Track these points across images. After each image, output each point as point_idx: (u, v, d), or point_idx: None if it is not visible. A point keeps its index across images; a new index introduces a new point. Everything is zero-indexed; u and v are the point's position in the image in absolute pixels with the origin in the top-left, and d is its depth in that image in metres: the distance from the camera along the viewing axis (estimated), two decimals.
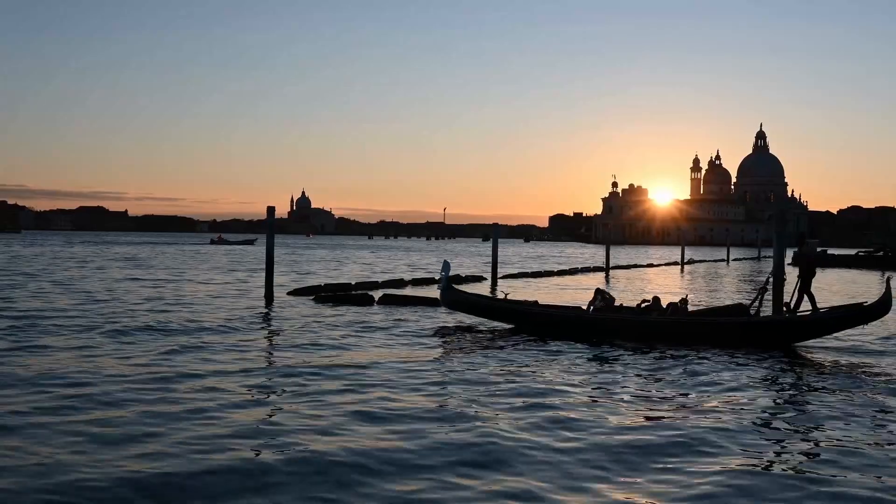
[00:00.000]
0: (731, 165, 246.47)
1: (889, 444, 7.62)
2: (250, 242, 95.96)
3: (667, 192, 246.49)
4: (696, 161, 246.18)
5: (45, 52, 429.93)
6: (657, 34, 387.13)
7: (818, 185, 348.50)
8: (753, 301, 18.15)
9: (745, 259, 78.45)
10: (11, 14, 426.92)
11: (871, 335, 15.35)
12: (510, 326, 15.86)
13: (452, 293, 17.12)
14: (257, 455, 6.81)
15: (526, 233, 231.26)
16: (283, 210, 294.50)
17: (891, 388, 10.53)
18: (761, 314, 17.43)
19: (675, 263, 57.61)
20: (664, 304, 15.44)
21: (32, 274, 31.70)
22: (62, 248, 69.85)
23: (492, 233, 33.31)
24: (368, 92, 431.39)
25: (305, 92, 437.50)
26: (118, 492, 5.91)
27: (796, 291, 15.99)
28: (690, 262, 59.69)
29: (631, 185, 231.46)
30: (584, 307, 16.17)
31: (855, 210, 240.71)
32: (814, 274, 16.33)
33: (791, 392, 10.22)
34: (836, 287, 34.01)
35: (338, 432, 7.57)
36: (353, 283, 27.33)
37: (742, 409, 9.01)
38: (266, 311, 19.02)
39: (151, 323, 15.80)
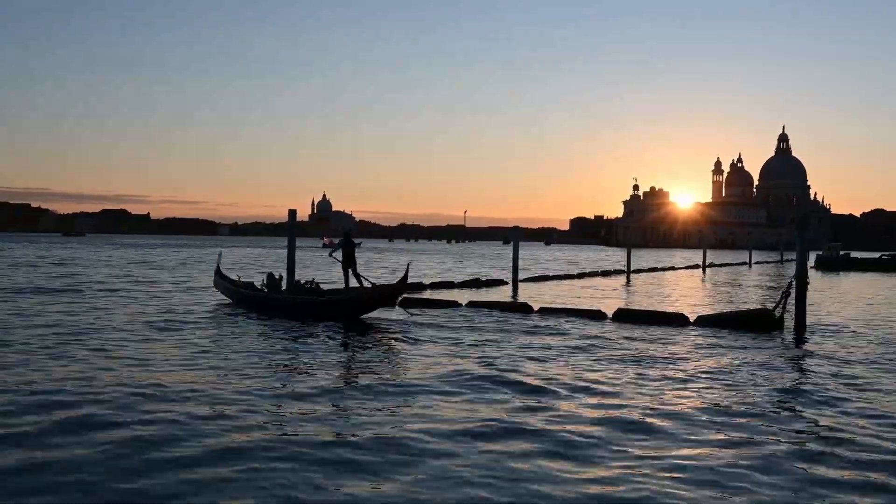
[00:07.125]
0: (754, 168, 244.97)
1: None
2: (357, 245, 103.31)
3: (688, 195, 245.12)
4: (718, 163, 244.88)
5: (66, 56, 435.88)
6: (679, 36, 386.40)
7: (841, 188, 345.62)
8: (778, 304, 18.13)
9: (767, 262, 77.92)
10: (33, 19, 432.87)
11: None
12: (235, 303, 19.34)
13: (217, 276, 21.07)
14: None
15: (546, 236, 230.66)
16: (304, 213, 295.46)
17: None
18: (785, 318, 17.41)
19: (697, 266, 57.36)
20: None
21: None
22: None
23: (512, 236, 33.27)
24: (389, 95, 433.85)
25: (326, 95, 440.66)
26: None
27: (348, 277, 19.38)
28: (711, 265, 59.36)
29: (652, 188, 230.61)
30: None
31: (878, 213, 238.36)
32: (354, 260, 19.73)
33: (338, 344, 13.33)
34: (846, 289, 33.66)
35: None
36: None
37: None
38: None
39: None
